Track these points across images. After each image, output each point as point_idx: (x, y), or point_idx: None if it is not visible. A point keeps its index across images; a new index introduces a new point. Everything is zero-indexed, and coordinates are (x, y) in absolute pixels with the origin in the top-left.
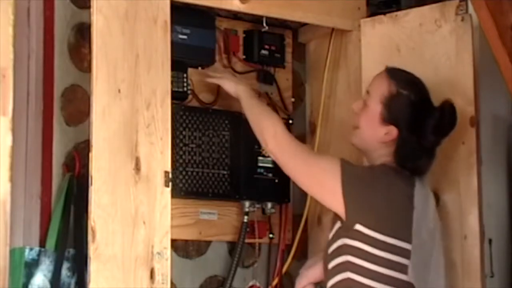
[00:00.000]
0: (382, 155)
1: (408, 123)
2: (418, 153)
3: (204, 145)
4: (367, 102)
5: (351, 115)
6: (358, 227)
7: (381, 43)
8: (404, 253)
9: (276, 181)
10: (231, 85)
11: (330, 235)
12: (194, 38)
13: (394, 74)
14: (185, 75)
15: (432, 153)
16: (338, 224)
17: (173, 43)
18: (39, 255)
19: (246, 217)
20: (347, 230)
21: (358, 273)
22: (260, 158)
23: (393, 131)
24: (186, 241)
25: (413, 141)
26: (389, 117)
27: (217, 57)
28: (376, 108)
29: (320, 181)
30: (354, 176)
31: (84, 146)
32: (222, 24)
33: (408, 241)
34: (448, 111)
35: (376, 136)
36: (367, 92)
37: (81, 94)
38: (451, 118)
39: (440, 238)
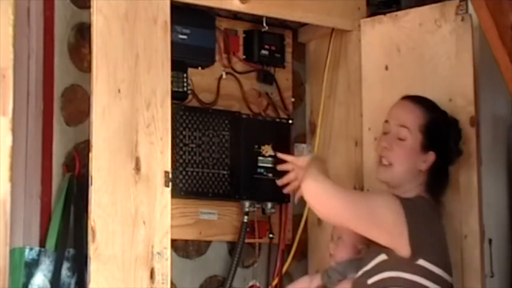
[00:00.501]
0: (415, 186)
1: (446, 143)
2: (445, 177)
3: (204, 145)
4: (400, 136)
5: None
6: (421, 262)
7: (381, 43)
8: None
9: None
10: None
11: (369, 267)
12: (194, 38)
13: (417, 100)
14: (185, 75)
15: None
16: (383, 257)
17: (173, 43)
18: (39, 255)
19: (246, 217)
20: (405, 265)
21: None
22: (260, 158)
23: (431, 157)
24: (186, 241)
25: (444, 163)
26: (429, 144)
27: (217, 57)
28: (415, 138)
29: (380, 220)
30: (415, 211)
31: (84, 146)
32: (222, 24)
33: (451, 275)
34: (458, 127)
35: (414, 167)
36: (401, 126)
37: (81, 94)
38: (459, 135)
39: None
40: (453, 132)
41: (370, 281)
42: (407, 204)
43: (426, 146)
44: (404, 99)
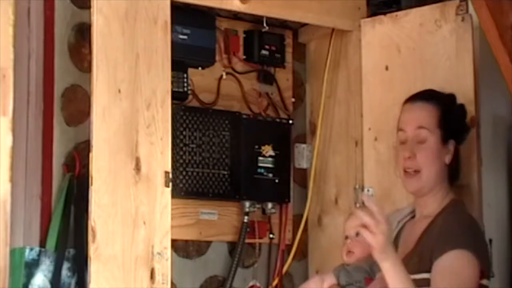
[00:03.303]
0: (442, 184)
1: (460, 126)
2: (458, 157)
3: (204, 145)
4: (420, 138)
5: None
6: (484, 281)
7: (381, 43)
8: None
9: (276, 181)
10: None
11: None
12: (194, 38)
13: (423, 97)
14: (185, 75)
15: None
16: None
17: (173, 43)
18: (39, 255)
19: (246, 217)
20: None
21: None
22: (260, 158)
23: (452, 146)
24: (186, 241)
25: (458, 146)
26: (448, 134)
27: (217, 57)
28: (436, 136)
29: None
30: (479, 246)
31: (84, 146)
32: (222, 24)
33: (488, 277)
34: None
35: (441, 164)
36: (420, 127)
37: (81, 94)
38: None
39: None
40: (461, 112)
41: None
42: (475, 247)
43: (447, 138)
44: (411, 102)
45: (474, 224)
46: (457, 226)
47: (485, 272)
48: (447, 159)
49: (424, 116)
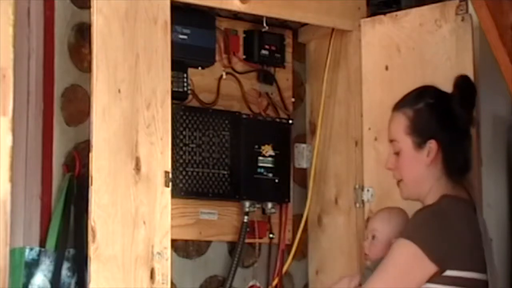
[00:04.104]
0: (436, 186)
1: (440, 122)
2: (462, 142)
3: (204, 145)
4: (395, 150)
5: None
6: (448, 272)
7: (381, 43)
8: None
9: (276, 181)
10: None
11: None
12: (194, 38)
13: (398, 106)
14: (185, 75)
15: (469, 135)
16: None
17: (173, 43)
18: (39, 255)
19: (246, 217)
20: (434, 277)
21: None
22: (260, 158)
23: (432, 144)
24: (186, 241)
25: (452, 134)
26: (422, 138)
27: (217, 57)
28: (406, 143)
29: (405, 278)
30: (430, 229)
31: (84, 146)
32: (222, 24)
33: (485, 271)
34: (462, 82)
35: (421, 166)
36: (392, 141)
37: (81, 94)
38: (469, 87)
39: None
40: (429, 111)
41: None
42: (422, 237)
43: (420, 142)
44: (391, 112)
45: (438, 215)
46: (413, 219)
47: (447, 264)
48: (427, 160)
49: (393, 128)
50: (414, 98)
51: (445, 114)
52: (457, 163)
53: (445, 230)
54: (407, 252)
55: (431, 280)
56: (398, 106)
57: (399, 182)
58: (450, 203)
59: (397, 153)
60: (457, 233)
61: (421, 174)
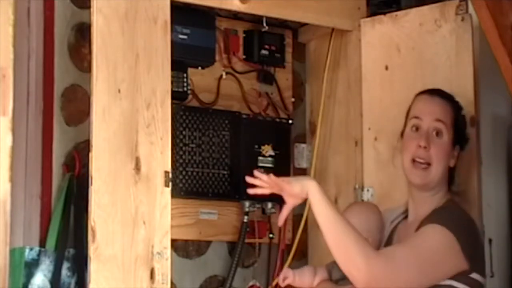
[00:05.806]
0: (444, 186)
1: (465, 134)
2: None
3: (204, 145)
4: (438, 130)
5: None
6: (475, 275)
7: (381, 43)
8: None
9: None
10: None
11: None
12: (194, 38)
13: (444, 95)
14: (185, 75)
15: None
16: None
17: (173, 43)
18: (39, 255)
19: (246, 217)
20: (461, 275)
21: None
22: (260, 158)
23: (457, 152)
24: (186, 241)
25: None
26: (457, 139)
27: (217, 57)
28: (449, 135)
29: (443, 266)
30: (463, 228)
31: (84, 146)
32: (222, 24)
33: (484, 275)
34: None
35: (447, 165)
36: (437, 120)
37: (81, 94)
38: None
39: None
40: (465, 121)
41: None
42: (457, 229)
43: (454, 142)
44: (429, 94)
45: (468, 218)
46: (446, 211)
47: (474, 266)
48: (452, 163)
49: (442, 111)
50: (456, 102)
51: (467, 130)
52: (455, 177)
53: (475, 231)
54: (444, 239)
55: (458, 278)
56: (444, 95)
57: (424, 164)
58: (461, 207)
59: (436, 134)
60: (480, 238)
61: (446, 170)
